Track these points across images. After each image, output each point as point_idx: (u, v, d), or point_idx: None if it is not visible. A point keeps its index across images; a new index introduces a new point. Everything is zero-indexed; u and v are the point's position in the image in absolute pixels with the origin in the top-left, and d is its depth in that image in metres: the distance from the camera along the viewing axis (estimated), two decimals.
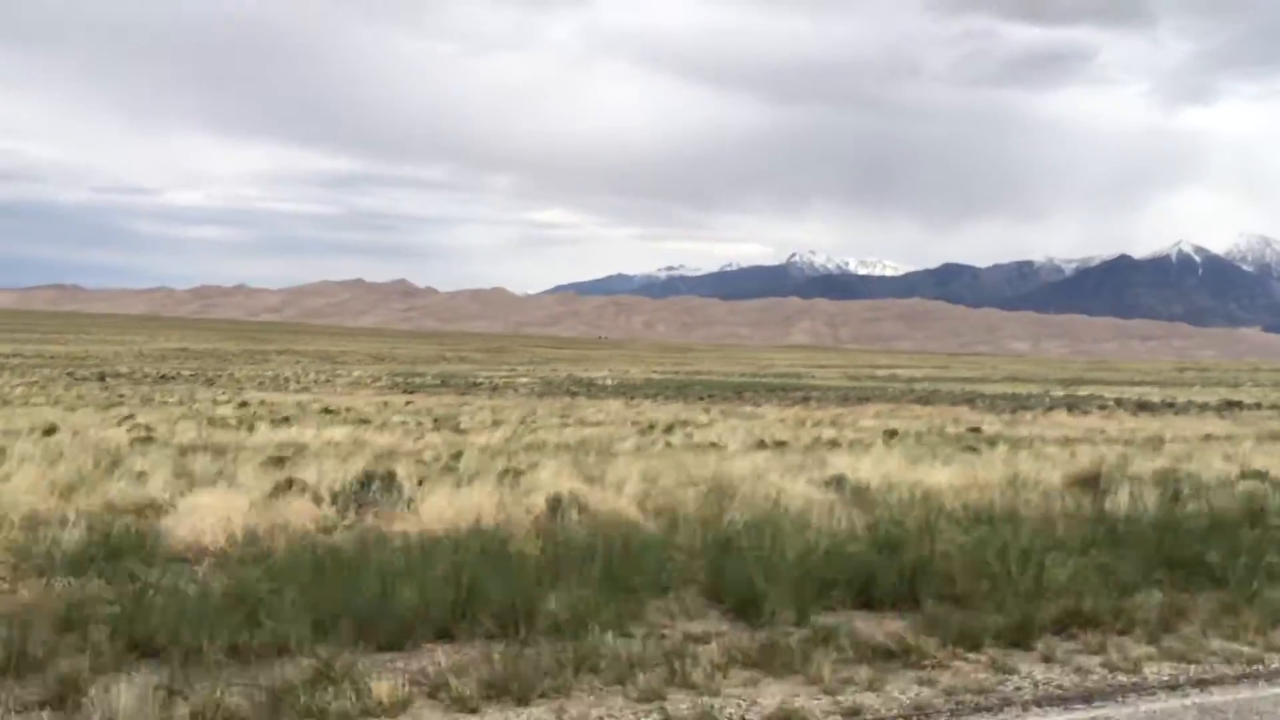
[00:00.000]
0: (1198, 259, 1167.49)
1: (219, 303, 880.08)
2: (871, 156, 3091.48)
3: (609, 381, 64.88)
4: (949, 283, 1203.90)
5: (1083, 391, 66.07)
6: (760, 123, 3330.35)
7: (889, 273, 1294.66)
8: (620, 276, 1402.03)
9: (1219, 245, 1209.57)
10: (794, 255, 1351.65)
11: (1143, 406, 46.97)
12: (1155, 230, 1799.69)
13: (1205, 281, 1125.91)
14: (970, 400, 50.35)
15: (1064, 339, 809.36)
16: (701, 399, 49.96)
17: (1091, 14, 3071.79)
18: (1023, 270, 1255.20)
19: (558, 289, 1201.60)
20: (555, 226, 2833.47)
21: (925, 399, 51.25)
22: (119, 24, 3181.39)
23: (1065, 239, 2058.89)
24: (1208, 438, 25.92)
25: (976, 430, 27.34)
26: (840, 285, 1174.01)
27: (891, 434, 24.02)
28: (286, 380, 63.86)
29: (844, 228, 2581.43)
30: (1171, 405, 48.71)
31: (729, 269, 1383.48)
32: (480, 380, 63.12)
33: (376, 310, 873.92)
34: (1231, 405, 50.72)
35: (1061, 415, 39.60)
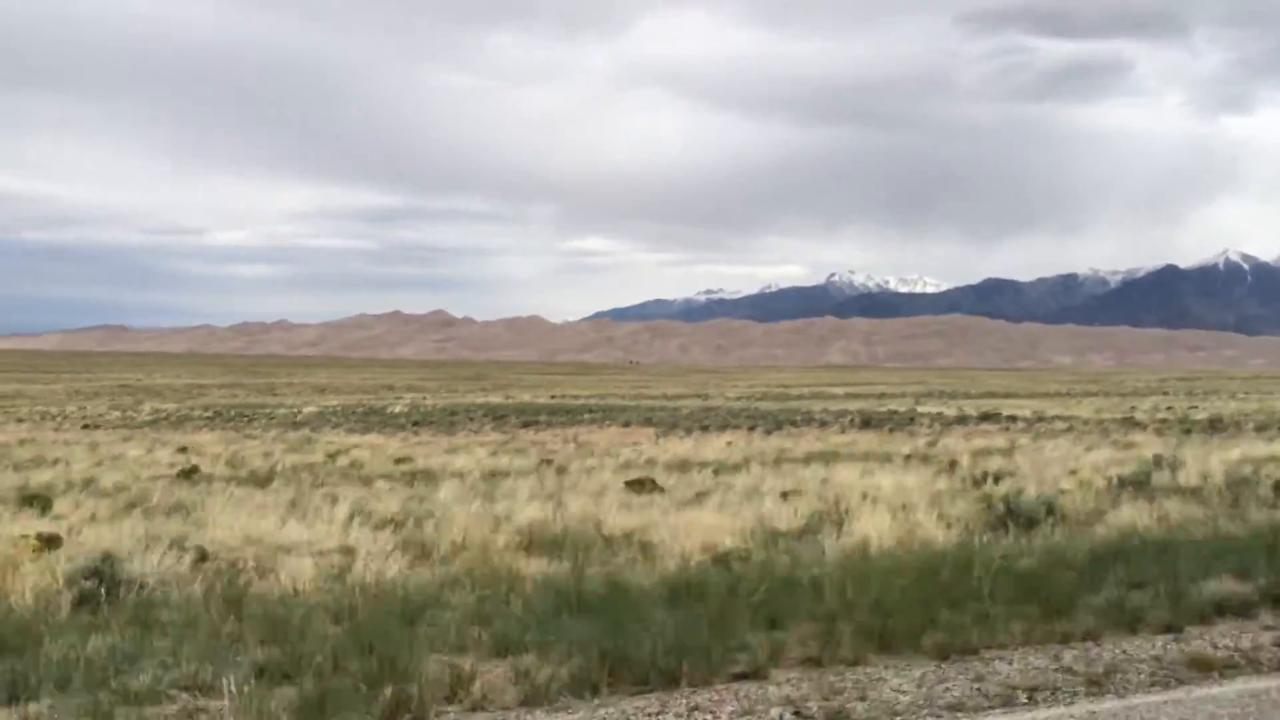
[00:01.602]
0: (1246, 267, 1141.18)
1: (260, 339, 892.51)
2: (910, 175, 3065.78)
3: (399, 409, 63.05)
4: (991, 298, 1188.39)
5: (921, 408, 62.29)
6: (797, 145, 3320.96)
7: (930, 290, 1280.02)
8: (659, 302, 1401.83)
9: (1268, 253, 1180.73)
10: (833, 275, 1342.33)
11: (865, 422, 43.65)
12: (1200, 239, 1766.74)
13: (1254, 290, 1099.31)
14: (700, 422, 47.36)
15: (1108, 351, 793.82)
16: (452, 426, 47.56)
17: (1125, 26, 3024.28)
18: (1067, 283, 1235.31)
19: (596, 316, 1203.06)
20: (593, 254, 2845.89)
21: (670, 418, 48.30)
22: (163, 69, 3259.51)
23: (1109, 251, 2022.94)
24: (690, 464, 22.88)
25: (406, 460, 24.53)
26: (880, 304, 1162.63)
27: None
28: (73, 416, 62.66)
29: (883, 246, 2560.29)
30: (912, 419, 45.31)
31: (768, 291, 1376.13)
32: (267, 411, 61.49)
33: (413, 342, 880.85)
34: (988, 416, 47.25)
35: (720, 435, 36.57)
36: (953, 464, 18.43)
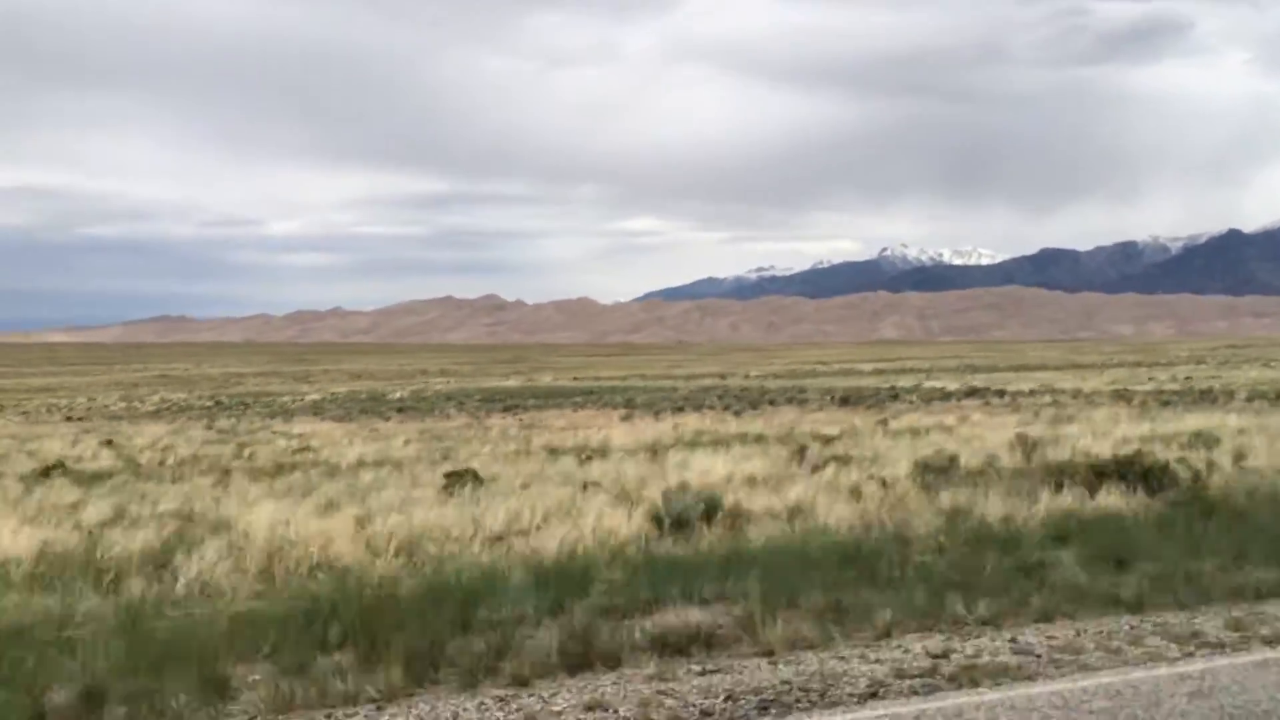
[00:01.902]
0: None
1: (313, 327, 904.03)
2: (962, 145, 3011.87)
3: (399, 395, 63.11)
4: (1048, 268, 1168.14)
5: (929, 382, 60.88)
6: (846, 119, 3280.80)
7: (985, 261, 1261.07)
8: (710, 280, 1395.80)
9: None
10: (885, 249, 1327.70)
11: (844, 400, 42.67)
12: (1266, 202, 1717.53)
13: None
14: (629, 400, 46.77)
15: (1169, 320, 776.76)
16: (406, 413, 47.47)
17: None
18: (1126, 251, 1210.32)
19: (647, 296, 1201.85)
20: (643, 234, 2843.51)
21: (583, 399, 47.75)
22: (216, 64, 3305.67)
23: (1170, 217, 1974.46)
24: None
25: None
26: (934, 277, 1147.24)
27: None
28: (57, 409, 63.57)
29: (937, 219, 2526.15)
30: (895, 395, 44.26)
31: (820, 267, 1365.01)
32: (267, 400, 62.03)
33: (464, 326, 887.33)
34: (974, 391, 46.08)
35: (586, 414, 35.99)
36: (803, 449, 17.67)
